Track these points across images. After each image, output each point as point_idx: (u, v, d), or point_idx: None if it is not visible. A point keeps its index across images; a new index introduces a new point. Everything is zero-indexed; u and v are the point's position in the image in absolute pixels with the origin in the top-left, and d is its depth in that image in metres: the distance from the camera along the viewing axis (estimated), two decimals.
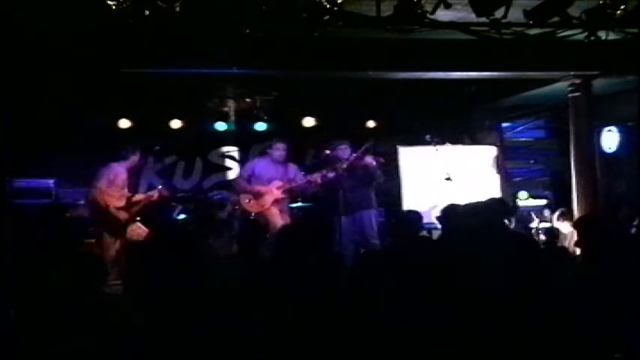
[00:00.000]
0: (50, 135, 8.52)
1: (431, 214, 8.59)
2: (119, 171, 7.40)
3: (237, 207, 8.01)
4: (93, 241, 7.49)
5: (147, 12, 4.85)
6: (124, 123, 9.09)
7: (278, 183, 7.70)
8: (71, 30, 5.97)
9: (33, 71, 6.53)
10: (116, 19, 5.01)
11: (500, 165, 9.35)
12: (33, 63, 6.29)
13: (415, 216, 5.44)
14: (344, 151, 7.58)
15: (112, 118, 9.01)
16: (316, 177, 7.56)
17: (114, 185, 7.33)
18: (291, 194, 7.90)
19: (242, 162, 9.72)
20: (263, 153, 8.76)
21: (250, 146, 9.77)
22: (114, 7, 4.81)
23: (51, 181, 8.60)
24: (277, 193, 7.69)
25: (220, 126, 9.49)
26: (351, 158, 7.50)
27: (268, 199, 7.65)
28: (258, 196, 7.68)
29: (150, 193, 7.77)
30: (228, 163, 9.88)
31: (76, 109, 8.51)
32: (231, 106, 9.50)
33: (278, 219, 7.45)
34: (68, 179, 8.76)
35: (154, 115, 9.10)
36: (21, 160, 7.46)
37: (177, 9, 4.89)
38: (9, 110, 6.48)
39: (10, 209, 6.57)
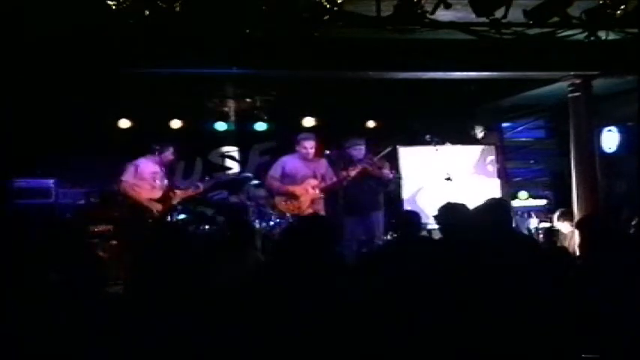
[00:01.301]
0: (50, 135, 8.52)
1: (416, 200, 8.67)
2: (145, 165, 7.44)
3: (272, 209, 7.81)
4: (94, 241, 7.50)
5: (147, 12, 4.86)
6: (124, 123, 9.10)
7: (313, 182, 7.51)
8: (71, 30, 5.97)
9: (33, 71, 6.53)
10: (116, 19, 5.01)
11: (500, 165, 9.36)
12: (33, 63, 6.29)
13: (414, 216, 5.42)
14: (359, 150, 7.54)
15: (112, 118, 9.01)
16: (349, 172, 7.32)
17: (141, 179, 7.38)
18: (327, 193, 7.62)
19: (242, 162, 9.73)
20: (266, 153, 8.73)
21: (250, 146, 9.76)
22: (114, 7, 4.81)
23: (51, 181, 8.60)
24: (313, 193, 7.50)
25: (220, 126, 9.49)
26: (369, 162, 7.44)
27: (305, 200, 7.46)
28: (293, 197, 7.48)
29: (191, 188, 7.86)
30: (228, 163, 9.87)
31: (76, 109, 8.51)
32: (231, 106, 9.50)
33: None
34: (68, 179, 8.76)
35: (154, 115, 9.10)
36: (21, 160, 7.47)
37: (177, 9, 4.89)
38: (9, 110, 6.49)
39: (10, 209, 6.58)
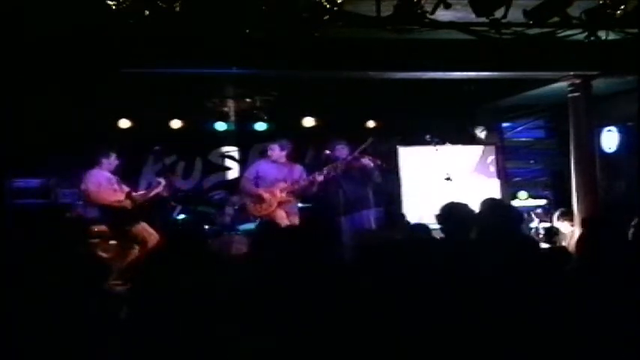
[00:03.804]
0: (50, 135, 8.51)
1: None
2: (100, 176, 7.42)
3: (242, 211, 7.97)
4: (96, 241, 7.50)
5: (147, 12, 4.85)
6: (124, 123, 9.10)
7: (281, 185, 7.67)
8: (71, 30, 5.97)
9: (33, 71, 6.53)
10: (116, 19, 5.01)
11: (500, 165, 9.37)
12: (33, 63, 6.29)
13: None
14: (341, 151, 7.62)
15: (112, 118, 9.01)
16: (319, 177, 7.53)
17: (100, 189, 7.38)
18: (296, 195, 7.84)
19: (242, 162, 9.73)
20: (263, 153, 8.76)
21: (250, 146, 9.76)
22: (114, 7, 4.81)
23: (51, 181, 8.60)
24: (281, 196, 7.65)
25: (220, 126, 9.49)
26: (349, 158, 7.52)
27: (272, 202, 7.62)
28: (261, 199, 7.65)
29: (153, 187, 7.81)
30: (228, 163, 9.88)
31: (75, 109, 8.51)
32: (231, 106, 9.50)
33: (285, 221, 7.38)
34: (68, 179, 8.75)
35: (154, 115, 9.10)
36: (21, 160, 7.47)
37: (177, 9, 4.89)
38: (9, 110, 6.48)
39: (10, 209, 6.58)
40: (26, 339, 3.26)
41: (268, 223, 6.14)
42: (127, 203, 7.38)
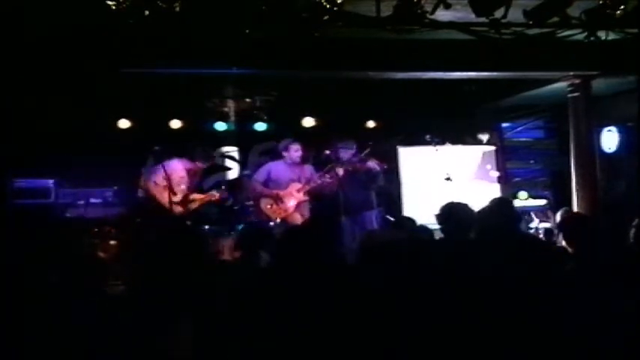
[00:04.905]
0: (50, 135, 8.51)
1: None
2: (178, 168, 7.48)
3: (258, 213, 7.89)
4: (95, 241, 7.49)
5: (147, 12, 4.86)
6: (124, 123, 9.09)
7: (297, 185, 7.64)
8: (71, 30, 5.97)
9: (33, 71, 6.53)
10: (116, 19, 5.01)
11: (500, 165, 9.37)
12: (33, 63, 6.30)
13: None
14: (346, 151, 7.61)
15: (112, 118, 9.01)
16: (333, 175, 7.47)
17: (169, 181, 7.38)
18: (311, 195, 7.81)
19: (242, 162, 9.72)
20: (266, 153, 8.76)
21: (250, 146, 9.76)
22: (114, 7, 4.82)
23: (51, 181, 8.59)
24: (299, 196, 7.63)
25: (220, 126, 9.48)
26: (355, 160, 7.51)
27: (291, 203, 7.59)
28: (279, 200, 7.60)
29: (212, 192, 7.90)
30: (228, 163, 9.87)
31: (76, 109, 8.51)
32: (231, 106, 9.49)
33: (300, 222, 7.38)
34: (68, 179, 8.75)
35: (154, 115, 9.10)
36: (21, 160, 7.46)
37: (177, 9, 4.89)
38: (9, 110, 6.49)
39: (10, 209, 6.58)
40: (26, 339, 3.26)
41: (256, 224, 6.14)
42: (177, 208, 7.38)
